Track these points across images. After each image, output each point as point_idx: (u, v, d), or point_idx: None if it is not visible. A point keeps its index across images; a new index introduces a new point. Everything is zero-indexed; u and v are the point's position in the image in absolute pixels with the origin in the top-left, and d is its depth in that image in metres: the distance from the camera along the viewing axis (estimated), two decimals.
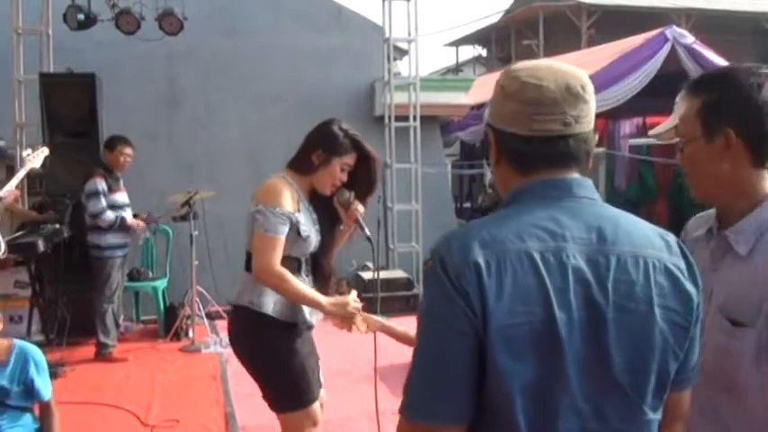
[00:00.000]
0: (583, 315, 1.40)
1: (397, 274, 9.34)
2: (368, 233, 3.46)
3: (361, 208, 3.46)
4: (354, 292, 3.49)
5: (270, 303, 3.36)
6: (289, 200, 3.34)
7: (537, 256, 1.41)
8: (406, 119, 9.85)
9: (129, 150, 7.19)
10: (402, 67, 15.01)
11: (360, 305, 3.46)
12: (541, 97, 1.50)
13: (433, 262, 1.47)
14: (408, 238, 9.80)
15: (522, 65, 1.58)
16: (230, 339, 3.49)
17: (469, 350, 1.38)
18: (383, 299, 8.35)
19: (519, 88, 1.52)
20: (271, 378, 3.42)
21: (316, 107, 9.91)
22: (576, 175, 1.53)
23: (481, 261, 1.40)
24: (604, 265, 1.43)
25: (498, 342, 1.37)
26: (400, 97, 9.96)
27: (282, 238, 3.30)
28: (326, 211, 3.52)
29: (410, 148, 9.80)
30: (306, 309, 3.43)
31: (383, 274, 9.00)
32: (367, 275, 9.10)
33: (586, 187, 1.53)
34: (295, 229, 3.34)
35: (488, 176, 20.89)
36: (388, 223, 9.66)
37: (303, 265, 3.47)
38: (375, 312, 3.55)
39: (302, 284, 3.35)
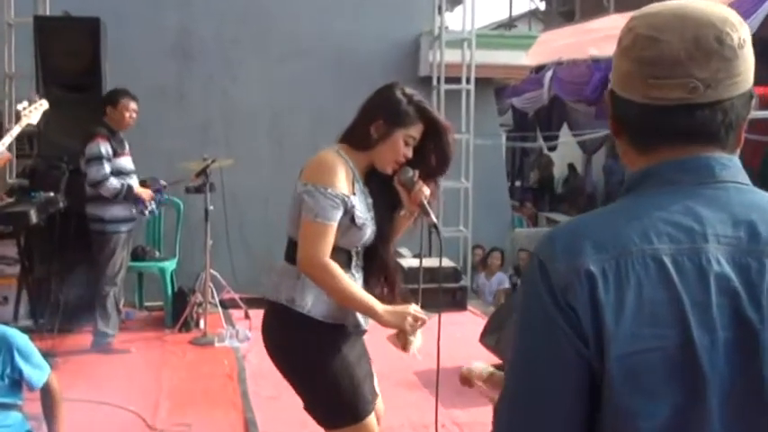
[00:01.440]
0: (730, 336, 1.29)
1: (443, 262, 9.24)
2: (434, 219, 3.36)
3: (426, 190, 3.34)
4: (415, 306, 3.36)
5: (314, 302, 3.27)
6: (344, 179, 3.24)
7: (668, 262, 1.31)
8: (456, 81, 9.79)
9: (134, 105, 7.13)
10: (449, 20, 14.90)
11: (424, 320, 3.32)
12: (658, 55, 1.39)
13: (529, 268, 1.37)
14: (455, 220, 9.74)
15: (644, 11, 1.46)
16: (265, 342, 3.43)
17: (578, 385, 1.30)
18: (425, 291, 8.34)
19: (632, 43, 1.43)
20: (314, 392, 3.37)
21: (349, 65, 9.89)
22: (717, 154, 1.42)
23: (595, 269, 1.30)
24: (757, 270, 1.32)
25: (619, 375, 1.28)
26: (449, 55, 9.91)
27: (335, 224, 3.21)
28: (385, 194, 3.41)
29: (461, 116, 9.73)
30: None
31: (425, 263, 8.88)
32: (406, 263, 9.01)
33: (732, 168, 1.42)
34: (349, 216, 3.25)
35: (544, 151, 20.79)
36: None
37: (353, 259, 3.39)
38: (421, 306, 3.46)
39: (354, 284, 3.27)
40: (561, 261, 1.33)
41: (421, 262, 7.32)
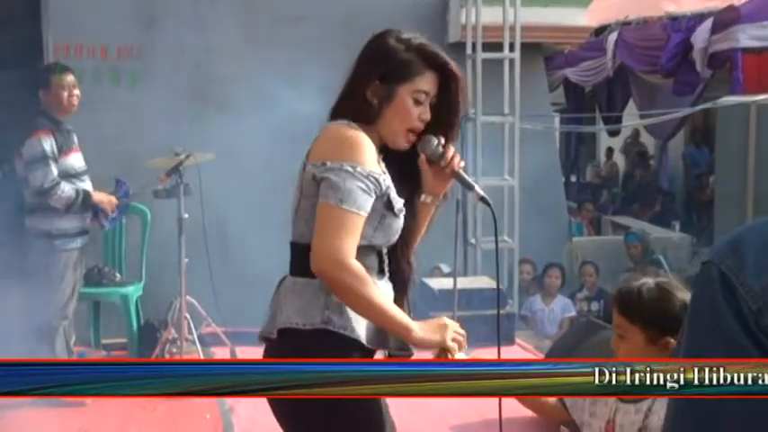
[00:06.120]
0: None
1: (482, 282, 9.15)
2: (480, 191, 3.39)
3: (458, 156, 3.33)
4: (447, 318, 3.32)
5: (356, 319, 3.14)
6: (373, 155, 3.19)
7: None
8: (497, 48, 9.79)
9: (70, 79, 6.95)
10: None
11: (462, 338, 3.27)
12: None
13: (702, 283, 1.32)
14: (498, 228, 9.65)
15: None
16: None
17: None
18: (461, 319, 8.24)
19: None
20: None
21: (359, 30, 9.69)
22: None
23: None
24: None
25: None
26: (487, 14, 9.92)
27: (365, 215, 3.12)
28: (403, 177, 3.37)
29: (503, 93, 9.74)
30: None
31: (461, 283, 8.83)
32: (437, 284, 8.94)
33: None
34: (384, 201, 3.19)
35: (604, 139, 20.74)
36: (467, 206, 9.50)
37: (384, 264, 3.35)
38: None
39: (384, 294, 3.20)
40: (754, 275, 1.27)
41: (455, 281, 7.17)
